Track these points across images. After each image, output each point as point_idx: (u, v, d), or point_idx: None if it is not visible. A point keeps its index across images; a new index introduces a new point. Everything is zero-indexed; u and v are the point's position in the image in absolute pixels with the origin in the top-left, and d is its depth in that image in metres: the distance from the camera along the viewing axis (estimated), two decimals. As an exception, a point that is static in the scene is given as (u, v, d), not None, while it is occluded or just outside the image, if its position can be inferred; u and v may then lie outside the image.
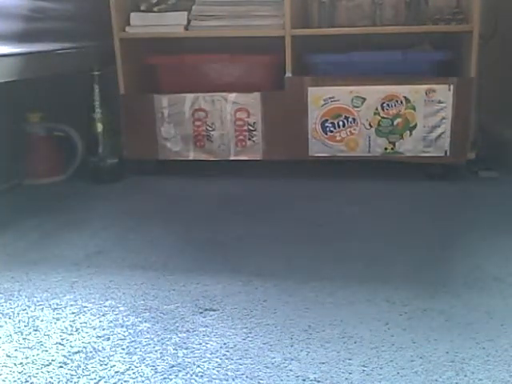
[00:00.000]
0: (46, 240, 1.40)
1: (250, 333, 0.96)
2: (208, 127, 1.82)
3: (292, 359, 0.88)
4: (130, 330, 0.97)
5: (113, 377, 0.85)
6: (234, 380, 0.83)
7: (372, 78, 1.70)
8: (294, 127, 1.77)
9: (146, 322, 1.00)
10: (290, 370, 0.85)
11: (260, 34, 1.75)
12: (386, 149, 1.74)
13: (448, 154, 1.71)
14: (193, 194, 1.74)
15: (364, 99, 1.71)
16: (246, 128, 1.80)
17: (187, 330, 0.97)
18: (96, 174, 1.87)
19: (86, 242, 1.38)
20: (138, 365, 0.88)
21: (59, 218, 1.54)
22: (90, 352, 0.91)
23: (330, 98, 1.73)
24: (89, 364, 0.88)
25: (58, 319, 1.02)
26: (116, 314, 1.03)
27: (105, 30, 1.82)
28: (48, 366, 0.88)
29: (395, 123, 1.71)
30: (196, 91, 1.81)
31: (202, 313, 1.03)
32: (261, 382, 0.83)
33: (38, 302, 1.08)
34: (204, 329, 0.97)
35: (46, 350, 0.92)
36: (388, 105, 1.70)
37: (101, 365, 0.88)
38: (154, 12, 1.82)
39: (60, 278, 1.18)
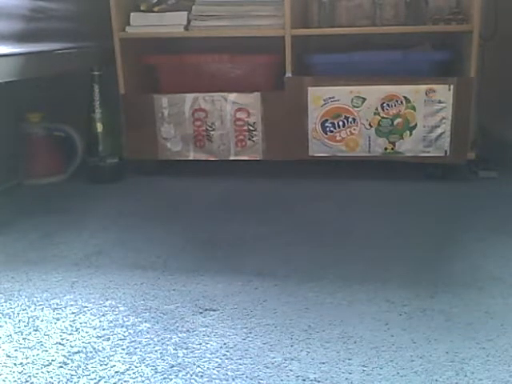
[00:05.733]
0: (46, 240, 1.40)
1: (250, 333, 0.96)
2: (208, 127, 1.82)
3: (292, 359, 0.88)
4: (130, 330, 0.97)
5: (113, 377, 0.85)
6: (233, 380, 0.83)
7: (372, 78, 1.70)
8: (294, 127, 1.77)
9: (146, 322, 1.00)
10: (290, 370, 0.85)
11: (260, 33, 1.75)
12: (386, 149, 1.74)
13: (448, 153, 1.71)
14: (193, 194, 1.74)
15: (364, 99, 1.71)
16: (245, 128, 1.81)
17: (187, 330, 0.97)
18: (96, 174, 1.87)
19: (85, 241, 1.38)
20: (137, 365, 0.88)
21: (59, 218, 1.54)
22: (90, 352, 0.91)
23: (329, 98, 1.73)
24: (89, 364, 0.88)
25: (58, 319, 1.02)
26: (116, 314, 1.03)
27: (105, 29, 1.82)
28: (48, 366, 0.88)
29: (395, 123, 1.71)
30: (196, 91, 1.81)
31: (201, 313, 1.03)
32: (261, 382, 0.83)
33: (38, 301, 1.08)
34: (204, 329, 0.97)
35: (46, 350, 0.92)
36: (388, 105, 1.70)
37: (101, 365, 0.88)
38: (154, 12, 1.82)
39: (60, 278, 1.18)
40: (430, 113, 1.69)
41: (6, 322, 1.01)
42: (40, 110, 1.87)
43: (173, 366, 0.87)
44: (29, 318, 1.03)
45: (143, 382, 0.84)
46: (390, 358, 0.87)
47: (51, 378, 0.85)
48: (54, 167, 1.92)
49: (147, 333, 0.97)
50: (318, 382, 0.82)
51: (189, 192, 1.76)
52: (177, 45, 2.00)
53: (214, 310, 1.03)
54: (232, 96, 1.79)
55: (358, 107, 1.72)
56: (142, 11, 1.83)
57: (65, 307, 1.06)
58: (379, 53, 1.76)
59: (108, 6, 1.79)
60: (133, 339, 0.95)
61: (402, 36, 1.76)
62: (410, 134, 1.72)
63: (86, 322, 1.00)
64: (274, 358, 0.88)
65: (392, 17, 1.79)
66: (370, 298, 1.06)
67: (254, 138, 1.81)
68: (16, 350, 0.92)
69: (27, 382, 0.84)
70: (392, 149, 1.73)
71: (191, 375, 0.85)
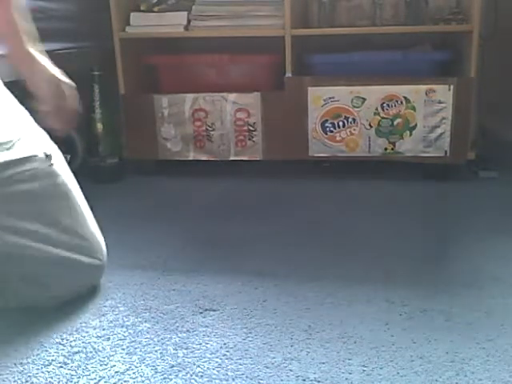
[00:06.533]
0: (46, 240, 1.39)
1: (250, 333, 0.96)
2: (208, 127, 1.82)
3: (292, 359, 0.88)
4: (130, 330, 0.97)
5: (113, 377, 0.85)
6: (233, 380, 0.83)
7: (372, 78, 1.70)
8: (294, 127, 1.77)
9: (146, 322, 1.00)
10: (290, 370, 0.85)
11: (260, 33, 1.75)
12: (386, 149, 1.74)
13: (448, 154, 1.71)
14: (193, 194, 1.74)
15: (364, 99, 1.71)
16: (246, 128, 1.80)
17: (187, 330, 0.97)
18: (96, 174, 1.87)
19: (86, 241, 1.38)
20: (137, 365, 0.88)
21: (59, 218, 1.54)
22: (90, 352, 0.91)
23: (329, 97, 1.73)
24: (89, 364, 0.88)
25: (58, 319, 1.02)
26: (116, 314, 1.03)
27: (105, 29, 1.82)
28: (48, 366, 0.88)
29: (395, 123, 1.71)
30: (196, 91, 1.81)
31: (202, 313, 1.03)
32: (261, 382, 0.83)
33: (38, 301, 1.08)
34: (204, 329, 0.97)
35: (46, 350, 0.92)
36: (388, 105, 1.70)
37: (101, 365, 0.88)
38: (154, 12, 1.82)
39: (60, 278, 1.18)
40: (430, 113, 1.69)
41: (6, 322, 1.01)
42: (40, 110, 1.87)
43: (173, 366, 0.87)
44: (29, 317, 1.02)
45: (143, 382, 0.84)
46: (390, 358, 0.87)
47: (51, 377, 0.85)
48: (54, 167, 1.92)
49: (147, 333, 0.96)
50: (318, 382, 0.82)
51: (189, 192, 1.76)
52: (177, 45, 2.00)
53: (214, 310, 1.03)
54: (232, 96, 1.79)
55: (358, 107, 1.72)
56: (142, 11, 1.83)
57: (65, 307, 1.06)
58: (379, 53, 1.76)
59: (108, 5, 1.79)
60: (133, 339, 0.95)
61: (401, 36, 1.76)
62: (410, 134, 1.72)
63: (85, 322, 1.00)
64: (274, 357, 0.88)
65: (392, 17, 1.79)
66: (369, 298, 1.06)
67: (254, 138, 1.81)
68: (16, 350, 0.92)
69: (27, 382, 0.84)
70: (392, 149, 1.73)
71: (191, 375, 0.85)
